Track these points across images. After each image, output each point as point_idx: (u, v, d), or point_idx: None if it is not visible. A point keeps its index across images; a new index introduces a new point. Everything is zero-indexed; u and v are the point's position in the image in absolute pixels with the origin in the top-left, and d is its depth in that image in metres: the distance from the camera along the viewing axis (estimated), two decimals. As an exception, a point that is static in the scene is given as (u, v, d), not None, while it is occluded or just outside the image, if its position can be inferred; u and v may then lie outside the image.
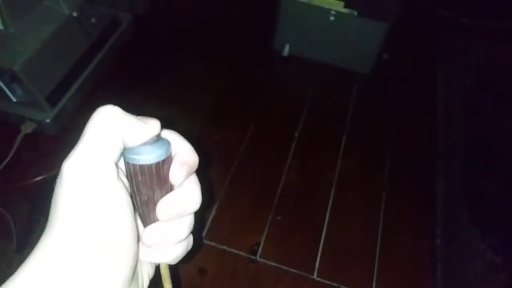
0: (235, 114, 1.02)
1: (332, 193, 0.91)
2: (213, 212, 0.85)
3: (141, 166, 0.27)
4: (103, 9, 0.96)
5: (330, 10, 1.00)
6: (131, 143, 0.27)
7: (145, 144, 0.27)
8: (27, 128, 0.88)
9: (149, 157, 0.27)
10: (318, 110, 1.06)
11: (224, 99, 1.05)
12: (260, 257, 0.80)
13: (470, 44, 1.26)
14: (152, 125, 0.27)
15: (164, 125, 0.28)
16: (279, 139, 0.99)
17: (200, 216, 0.30)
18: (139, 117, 0.27)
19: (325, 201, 0.89)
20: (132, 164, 0.27)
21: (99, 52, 0.99)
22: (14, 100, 0.87)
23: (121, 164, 0.28)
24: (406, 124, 1.06)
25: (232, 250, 0.81)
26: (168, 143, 0.28)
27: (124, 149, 0.27)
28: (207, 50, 1.16)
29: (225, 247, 0.81)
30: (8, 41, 0.81)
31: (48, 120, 0.88)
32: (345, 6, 1.00)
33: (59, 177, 0.25)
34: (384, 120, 1.06)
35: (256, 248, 0.81)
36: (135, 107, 0.97)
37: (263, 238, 0.83)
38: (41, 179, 0.84)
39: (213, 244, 0.81)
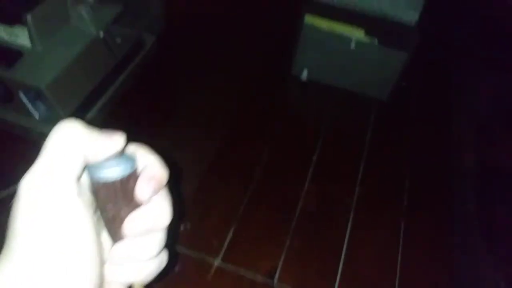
0: (252, 137, 1.03)
1: (350, 219, 0.90)
2: (230, 235, 0.85)
3: (104, 182, 0.26)
4: (128, 30, 0.98)
5: (351, 38, 1.02)
6: (94, 158, 0.26)
7: (108, 159, 0.26)
8: (49, 145, 0.88)
9: (112, 172, 0.26)
10: (336, 135, 1.06)
11: (242, 121, 1.06)
12: (277, 281, 0.80)
13: (483, 73, 1.29)
14: (115, 140, 0.26)
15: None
16: (296, 163, 0.99)
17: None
18: (102, 132, 0.26)
19: (343, 227, 0.89)
20: (95, 180, 0.26)
21: (123, 72, 1.01)
22: (37, 117, 0.87)
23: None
24: (424, 151, 1.06)
25: (249, 273, 0.80)
26: (133, 158, 0.27)
27: (88, 165, 0.26)
28: (225, 72, 1.17)
29: (241, 270, 0.80)
30: (36, 60, 0.82)
31: (70, 138, 0.88)
32: (366, 34, 1.01)
33: (17, 194, 0.25)
34: (401, 147, 1.06)
35: (273, 272, 0.81)
36: (156, 126, 0.98)
37: (280, 262, 0.82)
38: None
39: (230, 267, 0.81)
